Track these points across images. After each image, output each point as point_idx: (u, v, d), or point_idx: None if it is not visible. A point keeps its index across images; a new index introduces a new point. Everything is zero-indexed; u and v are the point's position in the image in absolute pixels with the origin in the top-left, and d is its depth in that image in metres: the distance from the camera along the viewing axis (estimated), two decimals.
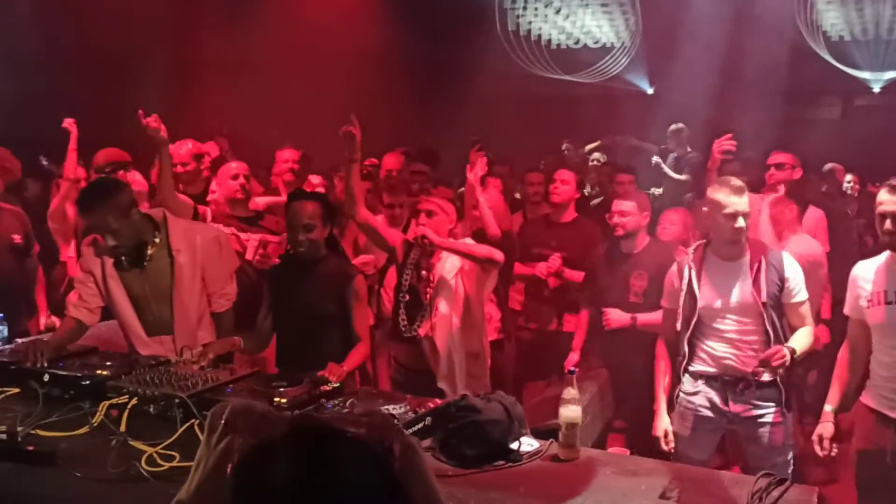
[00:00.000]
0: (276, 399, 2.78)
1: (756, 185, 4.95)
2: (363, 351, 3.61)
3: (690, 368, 3.56)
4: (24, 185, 6.46)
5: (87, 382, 2.99)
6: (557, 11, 11.62)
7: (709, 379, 3.52)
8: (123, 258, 3.54)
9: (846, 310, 3.35)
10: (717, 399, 3.50)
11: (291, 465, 1.06)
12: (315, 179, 5.31)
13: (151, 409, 2.82)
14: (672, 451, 3.51)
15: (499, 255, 3.86)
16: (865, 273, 3.25)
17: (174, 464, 2.40)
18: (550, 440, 2.71)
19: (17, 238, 4.82)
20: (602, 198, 6.89)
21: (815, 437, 3.28)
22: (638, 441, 4.11)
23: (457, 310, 3.85)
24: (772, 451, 3.45)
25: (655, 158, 8.07)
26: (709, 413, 3.52)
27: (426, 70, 10.20)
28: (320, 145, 6.04)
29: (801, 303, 3.45)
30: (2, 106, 6.73)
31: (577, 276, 4.86)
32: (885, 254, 3.23)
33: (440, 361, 3.81)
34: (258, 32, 9.15)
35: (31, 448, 2.52)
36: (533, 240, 5.04)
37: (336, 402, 2.85)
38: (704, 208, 3.55)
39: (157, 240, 3.57)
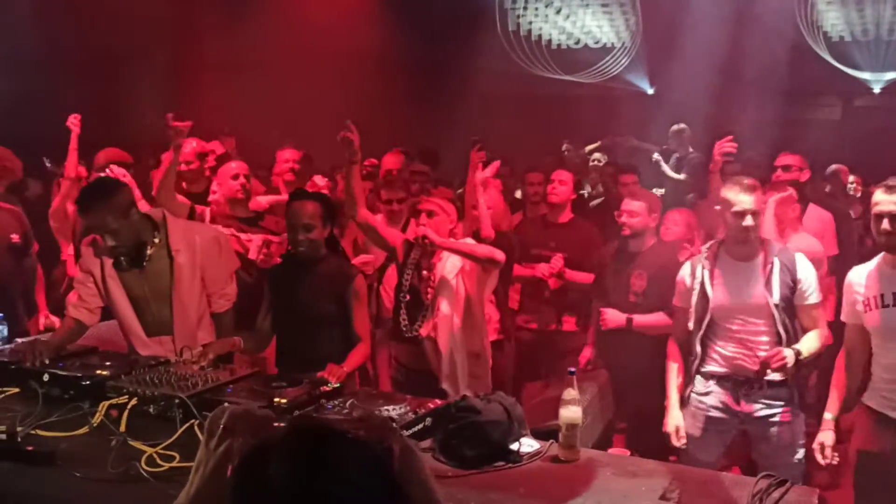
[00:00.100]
0: (276, 399, 2.78)
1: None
2: (363, 351, 3.61)
3: (702, 369, 3.56)
4: (26, 185, 6.46)
5: (87, 382, 2.98)
6: (558, 11, 11.62)
7: (720, 379, 3.52)
8: (122, 258, 3.54)
9: (843, 316, 3.35)
10: (728, 399, 3.50)
11: (291, 465, 1.06)
12: (320, 181, 5.29)
13: (151, 410, 2.81)
14: (684, 447, 3.50)
15: (500, 255, 3.86)
16: (859, 278, 3.25)
17: (174, 464, 2.39)
18: (550, 441, 2.71)
19: (15, 238, 4.82)
20: (602, 198, 6.89)
21: (816, 446, 3.28)
22: (638, 442, 4.11)
23: (458, 310, 3.85)
24: (782, 451, 3.44)
25: (656, 155, 8.08)
26: (720, 414, 3.52)
27: (427, 70, 10.20)
28: (321, 145, 6.03)
29: (814, 305, 3.44)
30: (2, 105, 6.74)
31: (578, 276, 4.87)
32: (878, 257, 3.23)
33: (443, 362, 3.81)
34: (259, 32, 9.16)
35: (30, 448, 2.52)
36: (531, 240, 5.04)
37: (336, 402, 2.85)
38: (717, 207, 3.56)
39: (156, 240, 3.56)
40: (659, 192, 7.13)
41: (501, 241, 4.21)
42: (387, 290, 4.46)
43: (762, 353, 3.36)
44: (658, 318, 4.39)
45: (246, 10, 9.41)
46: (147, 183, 5.37)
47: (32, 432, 2.65)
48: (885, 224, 3.08)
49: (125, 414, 2.72)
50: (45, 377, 3.01)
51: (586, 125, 9.61)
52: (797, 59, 9.53)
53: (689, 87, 8.83)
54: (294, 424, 1.12)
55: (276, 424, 1.16)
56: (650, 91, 11.11)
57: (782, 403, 3.45)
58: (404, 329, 3.92)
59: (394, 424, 1.12)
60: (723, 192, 3.48)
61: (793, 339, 3.39)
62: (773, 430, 3.45)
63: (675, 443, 3.52)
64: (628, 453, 3.33)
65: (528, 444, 2.69)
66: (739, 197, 3.39)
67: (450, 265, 3.89)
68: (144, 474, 2.35)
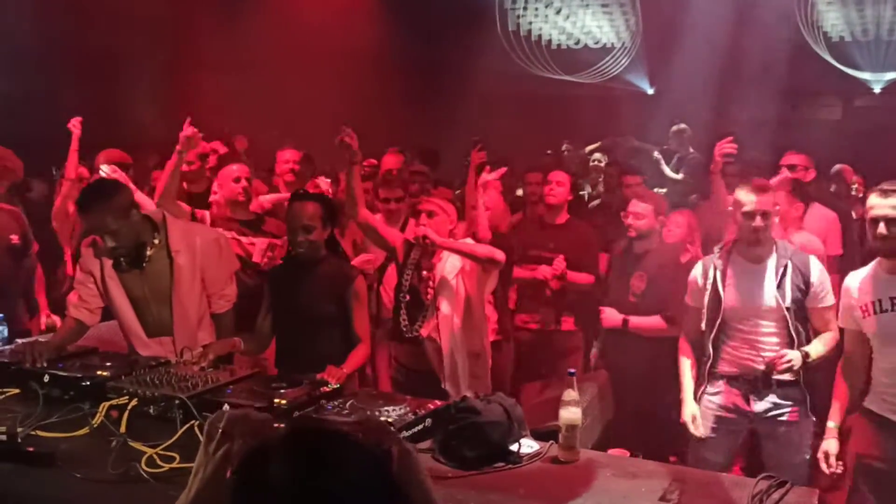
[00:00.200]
0: (276, 400, 2.78)
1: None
2: (363, 352, 3.61)
3: (713, 370, 3.56)
4: (30, 186, 6.47)
5: (87, 383, 2.99)
6: (558, 12, 11.61)
7: (730, 379, 3.53)
8: (122, 259, 3.54)
9: (840, 321, 3.36)
10: (738, 399, 3.51)
11: (291, 466, 1.06)
12: (324, 185, 5.29)
13: (151, 410, 2.82)
14: (702, 435, 3.49)
15: (500, 255, 3.87)
16: (856, 283, 3.26)
17: (174, 465, 2.40)
18: (550, 442, 2.71)
19: (14, 239, 4.81)
20: (601, 199, 6.88)
21: (820, 455, 3.28)
22: (637, 443, 4.10)
23: (458, 310, 3.85)
24: (789, 451, 3.45)
25: (656, 154, 8.08)
26: (730, 414, 3.53)
27: (426, 70, 10.20)
28: (321, 145, 6.03)
29: (827, 308, 3.44)
30: (3, 106, 6.74)
31: (577, 277, 4.88)
32: (874, 262, 3.23)
33: (445, 362, 3.81)
34: (258, 32, 9.16)
35: (30, 449, 2.52)
36: (528, 241, 5.05)
37: (336, 403, 2.85)
38: (729, 207, 3.57)
39: (156, 241, 3.56)
40: (660, 192, 7.14)
41: (500, 242, 4.22)
42: (387, 291, 4.46)
43: (770, 355, 3.37)
44: (654, 321, 4.41)
45: (246, 10, 9.40)
46: (147, 183, 5.38)
47: (33, 433, 2.65)
48: (882, 228, 3.07)
49: (125, 415, 2.73)
50: (46, 378, 3.01)
51: (586, 125, 9.60)
52: (797, 60, 9.52)
53: (689, 88, 8.83)
54: (293, 426, 1.13)
55: (275, 426, 1.16)
56: (650, 91, 11.10)
57: (791, 404, 3.45)
58: (404, 329, 3.93)
59: (392, 428, 1.12)
60: (735, 193, 3.50)
61: (804, 341, 3.39)
62: (781, 429, 3.46)
63: (694, 431, 3.50)
64: (628, 454, 3.33)
65: (527, 445, 2.70)
66: (749, 197, 3.40)
67: (450, 265, 3.89)
68: (144, 475, 2.35)
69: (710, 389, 3.57)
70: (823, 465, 3.26)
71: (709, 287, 3.54)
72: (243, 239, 4.49)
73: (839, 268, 4.61)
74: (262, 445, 1.10)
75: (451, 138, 7.43)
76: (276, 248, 4.41)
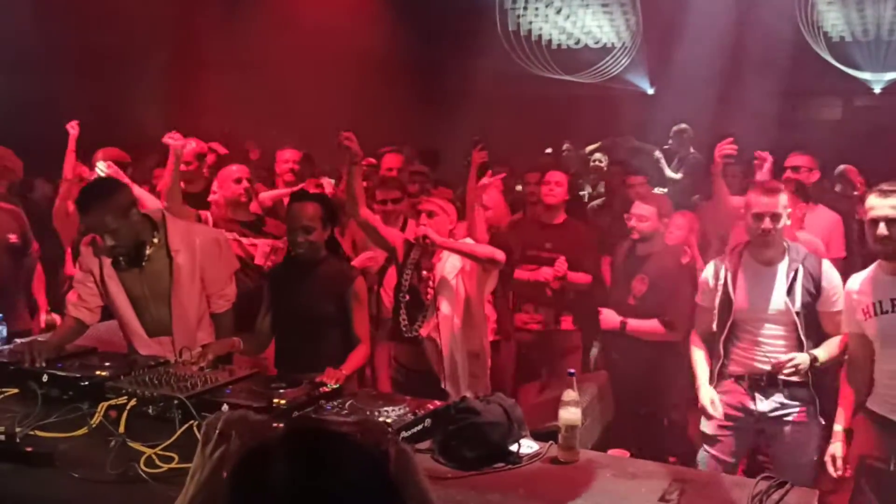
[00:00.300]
0: (276, 400, 2.77)
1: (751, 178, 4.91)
2: (363, 353, 3.60)
3: (723, 370, 3.56)
4: (33, 185, 6.46)
5: (86, 383, 2.98)
6: (558, 11, 11.60)
7: (737, 378, 3.53)
8: (121, 258, 3.53)
9: (843, 324, 3.35)
10: (745, 399, 3.51)
11: (289, 466, 1.06)
12: (328, 186, 5.28)
13: (150, 411, 2.81)
14: (721, 418, 3.48)
15: (500, 255, 3.86)
16: (857, 286, 3.25)
17: (173, 465, 2.39)
18: (550, 442, 2.71)
19: (12, 238, 4.80)
20: (603, 199, 6.88)
21: (827, 458, 3.28)
22: (634, 442, 4.10)
23: (458, 310, 3.85)
24: (795, 451, 3.45)
25: (657, 153, 8.08)
26: (738, 413, 3.53)
27: (426, 70, 10.20)
28: (321, 145, 6.03)
29: (838, 312, 3.41)
30: (6, 106, 6.74)
31: (576, 277, 4.88)
32: (874, 265, 3.22)
33: (444, 363, 3.81)
34: (258, 32, 9.15)
35: (29, 449, 2.51)
36: (526, 241, 5.05)
37: (335, 403, 2.84)
38: (741, 209, 3.57)
39: (155, 240, 3.56)
40: (661, 191, 7.14)
41: (501, 242, 4.21)
42: (387, 291, 4.46)
43: (778, 357, 3.37)
44: (652, 325, 4.41)
45: (246, 10, 9.41)
46: (148, 182, 5.38)
47: (31, 433, 2.65)
48: (882, 229, 3.06)
49: (124, 415, 2.72)
50: (45, 378, 3.01)
51: (586, 125, 9.60)
52: (797, 60, 9.52)
53: (690, 88, 8.83)
54: (291, 427, 1.13)
55: (272, 427, 1.16)
56: (650, 91, 11.10)
57: (798, 404, 3.45)
58: (404, 329, 3.92)
59: (389, 428, 1.13)
60: (747, 194, 3.51)
61: (814, 344, 3.38)
62: (788, 430, 3.46)
63: (713, 412, 3.48)
64: (628, 454, 3.33)
65: (527, 446, 2.69)
66: (760, 199, 3.39)
67: (449, 265, 3.89)
68: (143, 475, 2.35)
69: (718, 389, 3.57)
70: (830, 469, 3.26)
71: (720, 288, 3.54)
72: (244, 240, 4.49)
73: (842, 270, 4.59)
74: (258, 446, 1.09)
75: (451, 138, 7.41)
76: (280, 251, 4.41)
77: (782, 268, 3.46)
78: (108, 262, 3.55)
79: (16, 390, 3.06)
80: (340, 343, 3.56)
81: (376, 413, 2.72)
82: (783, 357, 3.33)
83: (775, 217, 3.39)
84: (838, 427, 3.30)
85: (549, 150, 9.79)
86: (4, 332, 3.64)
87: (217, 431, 1.16)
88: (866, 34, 10.13)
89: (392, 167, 5.80)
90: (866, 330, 3.20)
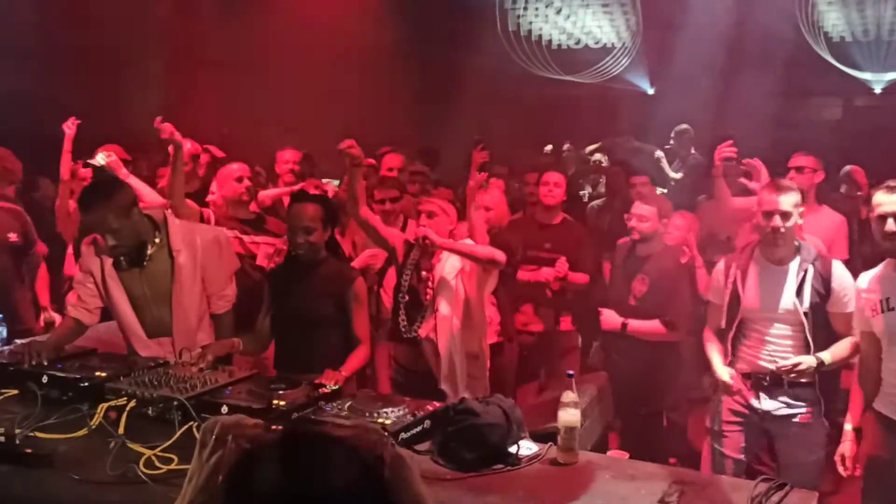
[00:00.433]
0: (275, 401, 2.77)
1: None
2: (363, 354, 3.59)
3: (731, 368, 3.56)
4: (37, 185, 6.46)
5: (86, 384, 2.98)
6: (558, 12, 11.60)
7: (744, 376, 3.52)
8: (122, 258, 3.53)
9: (854, 323, 3.34)
10: (751, 397, 3.51)
11: (283, 470, 1.06)
12: (331, 189, 5.27)
13: (150, 412, 2.81)
14: (740, 390, 3.47)
15: (500, 256, 3.86)
16: (866, 283, 3.25)
17: (172, 466, 2.39)
18: (549, 444, 2.70)
19: (12, 237, 4.79)
20: (604, 199, 6.88)
21: (837, 458, 3.28)
22: (634, 444, 4.10)
23: (457, 311, 3.85)
24: (800, 451, 3.45)
25: (658, 153, 8.08)
26: (743, 410, 3.53)
27: (427, 70, 10.20)
28: (322, 145, 6.02)
29: (850, 313, 3.40)
30: (8, 106, 6.74)
31: (575, 277, 4.88)
32: (883, 263, 3.22)
33: (442, 363, 3.81)
34: (259, 33, 9.16)
35: (29, 450, 2.51)
36: (526, 241, 5.05)
37: (335, 404, 2.84)
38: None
39: (157, 240, 3.56)
40: (661, 191, 7.15)
41: (502, 243, 4.21)
42: (387, 292, 4.46)
43: (786, 357, 3.37)
44: (653, 325, 4.41)
45: (246, 9, 9.41)
46: (150, 180, 5.38)
47: (31, 434, 2.64)
48: (890, 225, 3.05)
49: (124, 416, 2.72)
50: (44, 379, 3.01)
51: (587, 125, 9.61)
52: (798, 60, 9.52)
53: (690, 88, 8.83)
54: (285, 431, 1.13)
55: (267, 432, 1.16)
56: (651, 91, 11.10)
57: (804, 405, 3.45)
58: (403, 330, 3.92)
59: (386, 433, 1.13)
60: (759, 192, 3.52)
61: (821, 345, 3.38)
62: (793, 430, 3.45)
63: (737, 385, 3.47)
64: (627, 456, 3.33)
65: (526, 447, 2.69)
66: (770, 197, 3.39)
67: (449, 266, 3.89)
68: (143, 476, 2.35)
69: None
70: (840, 468, 3.26)
71: (729, 286, 3.54)
72: (246, 238, 4.48)
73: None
74: (252, 451, 1.10)
75: (451, 138, 7.42)
76: (282, 252, 4.41)
77: (793, 267, 3.45)
78: (108, 262, 3.54)
79: (15, 391, 3.06)
80: (340, 344, 3.56)
81: (375, 414, 2.72)
82: (788, 361, 3.33)
83: (785, 216, 3.38)
84: (848, 426, 3.29)
85: (549, 147, 9.80)
86: (4, 333, 3.63)
87: (213, 436, 1.16)
88: (867, 34, 10.13)
89: (392, 167, 5.80)
90: (874, 327, 3.19)
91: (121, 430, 2.64)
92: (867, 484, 3.22)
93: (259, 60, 9.26)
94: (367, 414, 2.73)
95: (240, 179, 4.52)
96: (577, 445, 2.65)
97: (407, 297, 3.93)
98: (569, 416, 2.63)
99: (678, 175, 7.88)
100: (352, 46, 9.36)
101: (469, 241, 4.01)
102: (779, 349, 3.44)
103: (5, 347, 3.47)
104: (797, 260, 3.46)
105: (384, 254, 4.53)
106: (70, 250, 5.19)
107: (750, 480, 2.53)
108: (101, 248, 3.52)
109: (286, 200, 4.56)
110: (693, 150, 8.15)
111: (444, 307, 3.84)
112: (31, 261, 5.02)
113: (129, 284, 3.55)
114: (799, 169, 4.81)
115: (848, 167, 6.74)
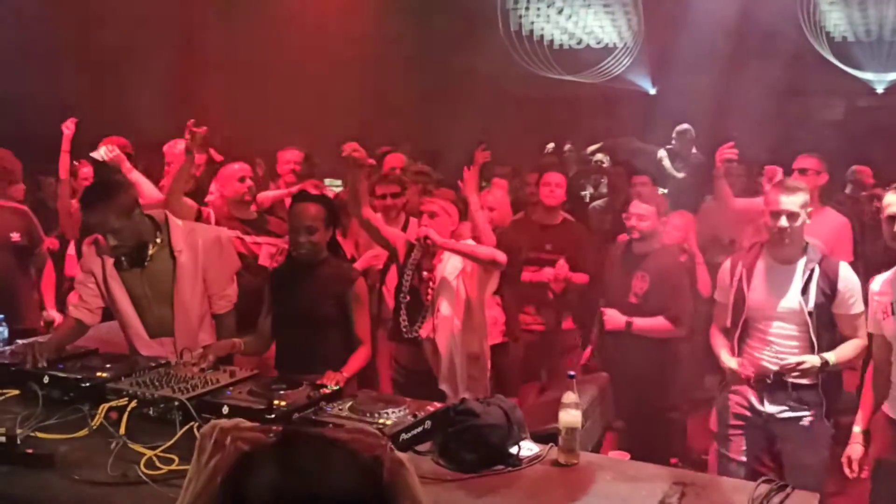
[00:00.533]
0: (276, 402, 2.77)
1: (757, 187, 4.92)
2: (364, 354, 3.59)
3: None
4: (40, 185, 6.46)
5: (87, 384, 2.98)
6: (560, 12, 11.60)
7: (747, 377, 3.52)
8: (123, 258, 3.53)
9: (868, 327, 3.33)
10: (754, 398, 3.51)
11: (281, 473, 1.05)
12: (335, 189, 5.27)
13: (151, 412, 2.81)
14: (748, 376, 3.47)
15: (501, 257, 3.86)
16: (878, 286, 3.24)
17: (173, 467, 2.39)
18: (550, 444, 2.70)
19: (14, 236, 4.78)
20: (605, 199, 6.88)
21: (844, 460, 3.27)
22: (635, 444, 4.10)
23: (458, 311, 3.85)
24: (804, 453, 3.44)
25: (661, 152, 8.08)
26: (746, 412, 3.53)
27: (428, 71, 10.21)
28: (321, 145, 6.03)
29: (856, 315, 3.40)
30: (10, 106, 6.75)
31: (576, 277, 4.88)
32: None
33: (441, 363, 3.81)
34: (260, 33, 9.16)
35: (30, 450, 2.52)
36: (528, 243, 5.04)
37: (335, 404, 2.84)
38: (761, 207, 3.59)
39: (158, 240, 3.56)
40: (661, 191, 7.14)
41: (506, 243, 4.20)
42: (389, 291, 4.46)
43: (790, 357, 3.37)
44: (658, 322, 4.40)
45: (246, 9, 9.41)
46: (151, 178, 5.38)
47: (32, 434, 2.65)
48: None
49: (125, 416, 2.73)
50: (46, 379, 3.01)
51: (588, 125, 9.60)
52: (800, 60, 9.51)
53: (692, 88, 8.83)
54: (283, 434, 1.13)
55: (267, 434, 1.16)
56: (652, 91, 11.09)
57: (806, 407, 3.44)
58: (404, 330, 3.92)
59: (385, 437, 1.12)
60: (767, 192, 3.52)
61: (825, 346, 3.37)
62: (796, 432, 3.45)
63: (745, 370, 3.47)
64: (628, 456, 3.33)
65: (527, 448, 2.69)
66: (779, 197, 3.39)
67: (450, 266, 3.89)
68: (143, 477, 2.35)
69: (729, 388, 3.58)
70: (847, 470, 3.25)
71: (735, 284, 3.54)
72: (247, 238, 4.48)
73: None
74: (251, 454, 1.09)
75: (453, 138, 7.42)
76: (284, 252, 4.41)
77: (799, 267, 3.45)
78: (110, 262, 3.54)
79: (17, 391, 3.06)
80: (341, 344, 3.56)
81: (376, 415, 2.72)
82: (792, 359, 3.33)
83: (792, 216, 3.37)
84: (857, 429, 3.28)
85: (550, 146, 9.79)
86: (6, 333, 3.63)
87: (212, 440, 1.16)
88: (869, 34, 10.12)
89: (394, 167, 5.79)
90: (885, 330, 3.18)
91: (122, 431, 2.64)
92: (875, 487, 3.21)
93: (260, 61, 9.26)
94: (368, 414, 2.73)
95: (242, 179, 4.51)
96: (577, 446, 2.64)
97: (408, 298, 3.94)
98: (570, 416, 2.62)
99: (681, 175, 7.88)
100: (353, 47, 9.36)
101: (471, 242, 4.01)
102: (783, 349, 3.43)
103: (7, 347, 3.47)
104: (804, 259, 3.46)
105: (386, 254, 4.54)
106: (71, 250, 5.19)
107: (751, 482, 2.53)
108: (103, 248, 3.53)
109: (286, 201, 4.56)
110: (694, 150, 8.14)
111: (445, 308, 3.84)
112: (37, 260, 5.01)
113: (131, 284, 3.55)
114: (803, 171, 4.78)
115: (853, 167, 6.72)
